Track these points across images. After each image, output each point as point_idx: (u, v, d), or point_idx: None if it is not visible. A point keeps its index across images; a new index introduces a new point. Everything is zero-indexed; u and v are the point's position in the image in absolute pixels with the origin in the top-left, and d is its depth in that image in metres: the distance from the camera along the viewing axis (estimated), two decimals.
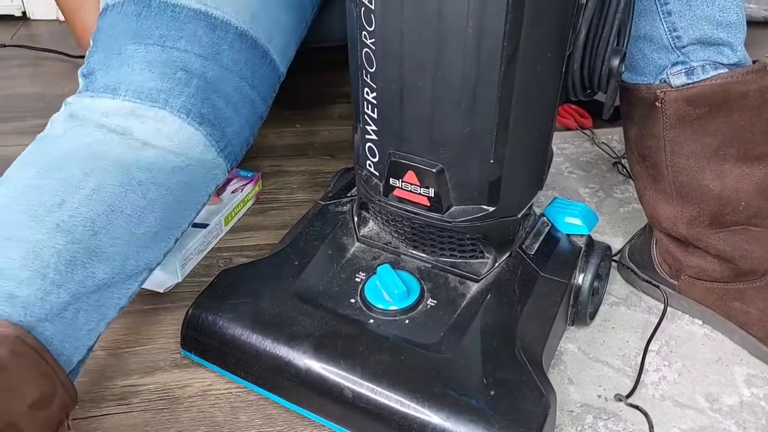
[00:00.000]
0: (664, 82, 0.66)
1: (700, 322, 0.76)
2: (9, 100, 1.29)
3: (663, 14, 0.63)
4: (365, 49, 0.57)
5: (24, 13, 1.74)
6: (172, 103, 0.64)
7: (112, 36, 0.66)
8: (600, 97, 0.65)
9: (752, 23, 0.72)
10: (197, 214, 0.69)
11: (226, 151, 0.69)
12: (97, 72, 0.65)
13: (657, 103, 0.66)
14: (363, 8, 0.55)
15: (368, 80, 0.59)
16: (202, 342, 0.65)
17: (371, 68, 0.58)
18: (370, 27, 0.55)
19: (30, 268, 0.52)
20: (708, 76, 0.64)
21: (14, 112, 1.24)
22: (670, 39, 0.64)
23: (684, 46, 0.64)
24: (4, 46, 1.54)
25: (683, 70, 0.65)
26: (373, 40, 0.56)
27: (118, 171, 0.60)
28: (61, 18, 1.73)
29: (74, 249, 0.55)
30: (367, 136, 0.63)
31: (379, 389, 0.58)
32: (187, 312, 0.66)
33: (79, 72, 0.68)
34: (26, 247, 0.53)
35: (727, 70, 0.64)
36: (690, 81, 0.64)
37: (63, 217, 0.55)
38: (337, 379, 0.59)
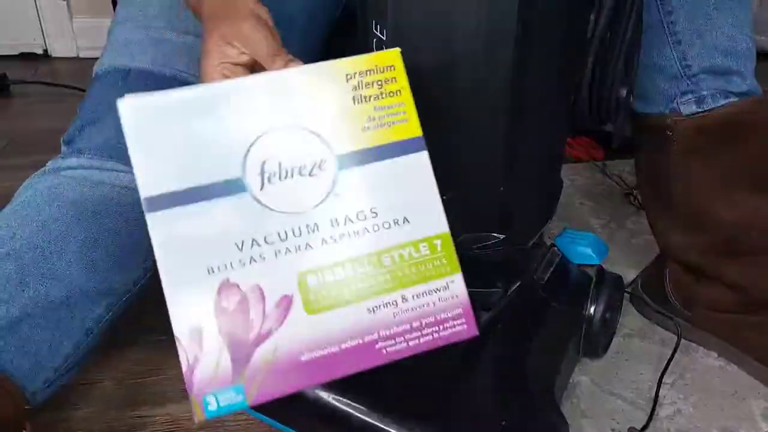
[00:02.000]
0: (675, 111, 0.66)
1: (715, 355, 0.75)
2: (29, 134, 1.32)
3: (673, 43, 0.64)
4: None
5: (45, 50, 1.79)
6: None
7: (92, 106, 0.71)
8: (611, 127, 0.66)
9: (761, 54, 0.73)
10: None
11: None
12: (74, 138, 0.70)
13: (668, 132, 0.67)
14: (375, 40, 0.56)
15: None
16: None
17: None
18: None
19: None
20: (718, 105, 0.64)
21: (33, 146, 1.26)
22: (680, 68, 0.64)
23: (694, 75, 0.64)
24: (26, 82, 1.58)
25: (693, 99, 0.65)
26: None
27: (72, 205, 0.64)
28: (81, 55, 1.78)
29: (24, 272, 0.60)
30: None
31: (388, 419, 0.57)
32: None
33: (62, 139, 0.72)
34: None
35: (737, 98, 0.64)
36: (700, 110, 0.65)
37: (14, 246, 0.61)
38: (347, 409, 0.58)
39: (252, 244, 0.42)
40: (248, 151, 0.43)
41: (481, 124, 0.56)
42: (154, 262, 0.70)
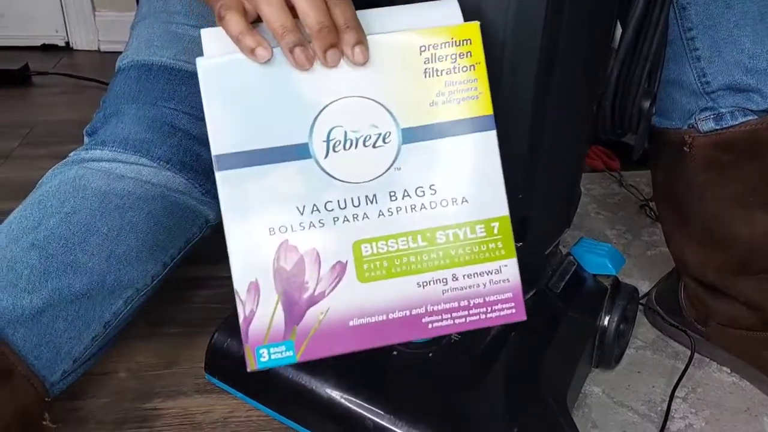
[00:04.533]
0: (693, 127, 0.66)
1: (728, 370, 0.75)
2: (50, 125, 1.33)
3: (692, 59, 0.64)
4: None
5: (67, 43, 1.81)
6: (153, 152, 0.69)
7: (115, 98, 0.72)
8: (629, 138, 0.66)
9: None
10: (191, 245, 0.72)
11: (212, 192, 0.72)
12: (98, 130, 0.71)
13: (685, 148, 0.66)
14: None
15: None
16: (225, 367, 0.66)
17: None
18: None
19: (3, 279, 0.58)
20: (737, 123, 0.63)
21: (53, 137, 1.28)
22: (699, 84, 0.64)
23: (713, 92, 0.64)
24: (47, 73, 1.59)
25: (712, 116, 0.64)
26: None
27: (96, 197, 0.65)
28: (102, 48, 1.79)
29: (48, 263, 0.60)
30: None
31: (401, 422, 0.57)
32: (212, 337, 0.67)
33: (84, 130, 0.74)
34: (2, 263, 0.59)
35: (756, 116, 0.63)
36: (719, 127, 0.64)
37: (38, 237, 0.61)
38: (359, 410, 0.59)
39: (312, 210, 0.43)
40: (317, 117, 0.44)
41: (502, 130, 0.56)
42: (173, 257, 0.72)
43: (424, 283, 0.44)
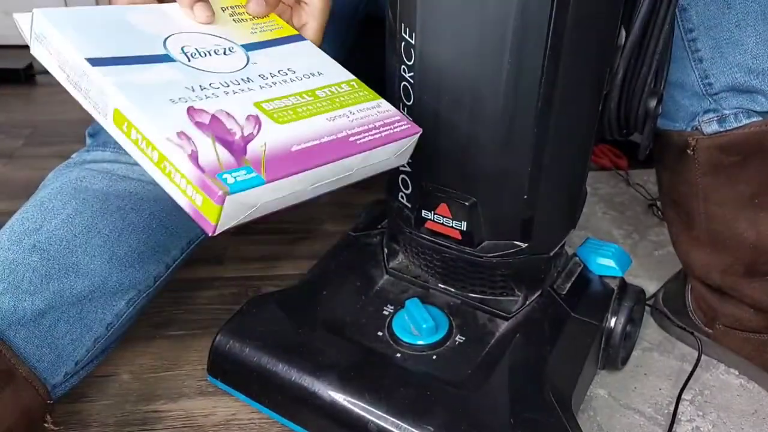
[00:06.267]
0: (696, 129, 0.65)
1: (736, 372, 0.74)
2: (56, 124, 1.33)
3: (694, 61, 0.63)
4: (403, 83, 0.58)
5: None
6: None
7: None
8: (636, 137, 0.65)
9: None
10: (193, 245, 0.72)
11: None
12: (100, 131, 0.72)
13: (689, 151, 0.66)
14: (403, 42, 0.56)
15: (405, 113, 0.59)
16: (228, 369, 0.65)
17: (408, 101, 0.58)
18: (410, 61, 0.56)
19: (5, 281, 0.58)
20: (741, 125, 0.63)
21: (58, 137, 1.28)
22: (702, 86, 0.63)
23: (716, 93, 0.63)
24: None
25: (715, 118, 0.64)
26: (412, 74, 0.56)
27: (97, 198, 0.65)
28: None
29: (50, 265, 0.60)
30: (401, 168, 0.63)
31: (404, 425, 0.57)
32: (215, 338, 0.66)
33: (86, 131, 0.74)
34: (3, 265, 0.59)
35: (760, 118, 0.62)
36: (722, 129, 0.63)
37: (40, 239, 0.61)
38: (362, 413, 0.58)
39: (202, 88, 0.47)
40: (165, 40, 0.50)
41: (508, 130, 0.55)
42: (175, 259, 0.72)
43: (332, 118, 0.49)
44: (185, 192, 0.41)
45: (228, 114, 0.45)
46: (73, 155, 0.71)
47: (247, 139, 0.44)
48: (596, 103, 0.59)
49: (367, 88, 0.54)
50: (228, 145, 0.43)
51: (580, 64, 0.54)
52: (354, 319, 0.68)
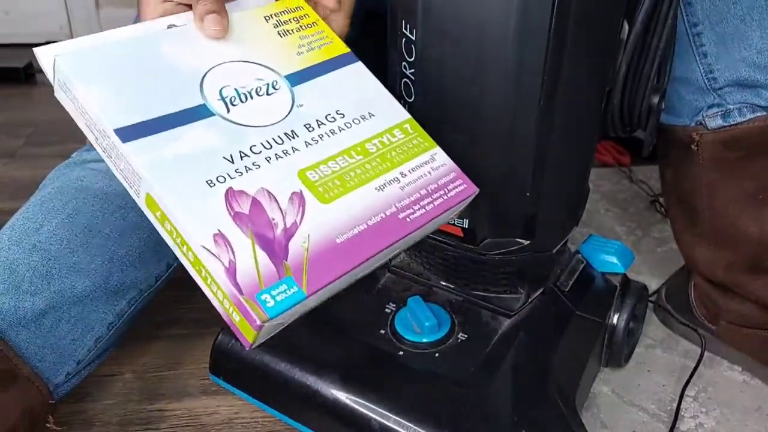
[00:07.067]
0: (700, 124, 0.65)
1: (740, 369, 0.74)
2: (53, 123, 1.33)
3: (699, 56, 0.62)
4: (404, 80, 0.57)
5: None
6: None
7: None
8: (639, 133, 0.65)
9: None
10: None
11: None
12: None
13: (693, 146, 0.65)
14: (404, 39, 0.55)
15: (406, 110, 0.59)
16: (230, 368, 0.65)
17: (410, 98, 0.58)
18: (411, 58, 0.56)
19: (5, 282, 0.58)
20: (745, 119, 0.62)
21: (57, 136, 1.28)
22: (706, 81, 0.63)
23: (720, 88, 0.63)
24: None
25: (719, 113, 0.63)
26: (413, 70, 0.56)
27: (97, 198, 0.65)
28: None
29: (50, 264, 0.60)
30: None
31: (407, 423, 0.57)
32: (217, 337, 0.66)
33: None
34: (3, 265, 0.59)
35: (765, 112, 0.62)
36: (726, 123, 0.63)
37: (40, 239, 0.61)
38: (365, 411, 0.58)
39: (241, 156, 0.43)
40: (202, 81, 0.46)
41: (510, 128, 0.55)
42: (176, 258, 0.71)
43: (381, 186, 0.46)
44: (222, 303, 0.39)
45: (269, 194, 0.42)
46: (74, 155, 0.71)
47: (289, 234, 0.41)
48: (599, 98, 0.58)
49: (421, 130, 0.51)
50: (268, 246, 0.40)
51: (583, 60, 0.53)
52: (356, 317, 0.67)
